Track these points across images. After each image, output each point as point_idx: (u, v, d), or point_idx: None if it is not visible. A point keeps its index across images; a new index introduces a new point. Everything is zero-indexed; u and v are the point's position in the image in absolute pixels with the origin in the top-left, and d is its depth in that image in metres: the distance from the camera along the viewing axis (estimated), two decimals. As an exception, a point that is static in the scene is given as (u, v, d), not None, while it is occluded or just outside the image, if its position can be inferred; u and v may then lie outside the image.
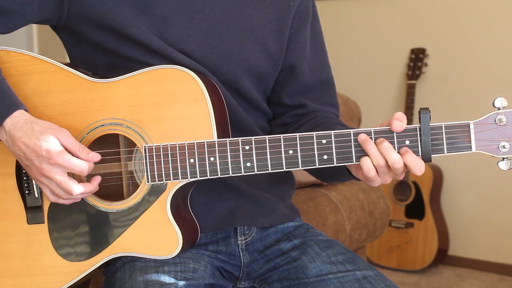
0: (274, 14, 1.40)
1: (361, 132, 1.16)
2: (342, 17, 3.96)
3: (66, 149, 1.21)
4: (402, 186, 3.61)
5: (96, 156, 1.22)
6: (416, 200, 3.58)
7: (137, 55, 1.29)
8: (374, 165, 1.15)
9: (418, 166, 1.13)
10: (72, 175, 1.23)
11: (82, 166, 1.21)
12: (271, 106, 1.48)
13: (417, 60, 3.67)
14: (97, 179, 1.26)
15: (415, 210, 3.59)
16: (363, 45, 3.91)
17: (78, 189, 1.21)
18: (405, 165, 1.14)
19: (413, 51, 3.71)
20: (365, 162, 1.15)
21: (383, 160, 1.14)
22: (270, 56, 1.40)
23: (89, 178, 1.27)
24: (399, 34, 3.79)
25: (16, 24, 1.30)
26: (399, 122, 1.14)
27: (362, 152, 1.16)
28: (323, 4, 3.78)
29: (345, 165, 1.23)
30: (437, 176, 3.61)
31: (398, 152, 1.14)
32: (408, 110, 3.59)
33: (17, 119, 1.21)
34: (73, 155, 1.21)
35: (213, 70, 1.33)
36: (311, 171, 1.39)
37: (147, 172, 1.24)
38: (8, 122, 1.20)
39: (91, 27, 1.29)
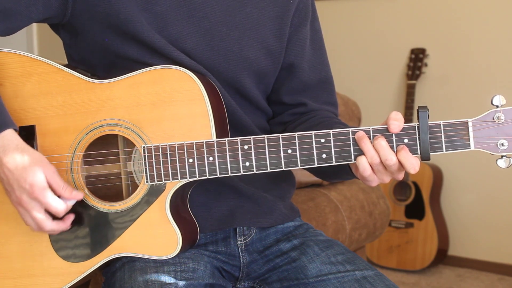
0: (274, 12, 1.40)
1: (359, 130, 1.16)
2: (342, 17, 3.96)
3: (50, 186, 1.21)
4: (402, 186, 3.61)
5: (79, 195, 1.24)
6: (416, 200, 3.58)
7: (137, 54, 1.29)
8: (369, 164, 1.15)
9: (412, 164, 1.12)
10: None
11: (60, 207, 1.22)
12: (271, 104, 1.48)
13: (417, 60, 3.67)
14: (70, 218, 1.26)
15: (415, 210, 3.58)
16: (363, 45, 3.91)
17: (49, 227, 1.23)
18: (399, 162, 1.14)
19: (413, 51, 3.71)
20: (361, 161, 1.15)
21: (377, 157, 1.14)
22: (270, 54, 1.40)
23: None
24: (399, 34, 3.79)
25: (20, 25, 1.30)
26: (397, 123, 1.14)
27: (361, 151, 1.16)
28: (323, 4, 3.78)
29: (347, 163, 1.23)
30: (437, 176, 3.61)
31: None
32: (408, 110, 3.59)
33: (8, 142, 1.20)
34: (55, 192, 1.22)
35: (213, 69, 1.33)
36: (313, 170, 1.39)
37: (146, 172, 1.24)
38: None
39: (93, 24, 1.29)
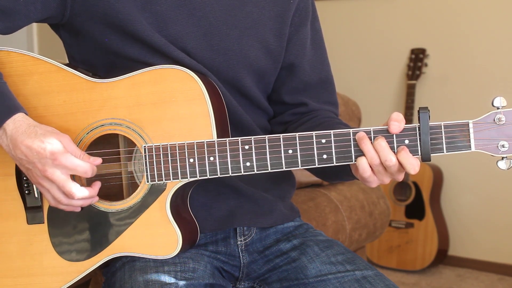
0: (274, 11, 1.40)
1: (360, 131, 1.16)
2: (342, 17, 3.96)
3: None
4: (402, 186, 3.61)
5: (97, 160, 1.23)
6: (416, 200, 3.58)
7: (138, 54, 1.29)
8: (369, 164, 1.15)
9: (412, 165, 1.12)
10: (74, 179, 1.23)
11: (86, 167, 1.21)
12: (271, 104, 1.48)
13: (417, 60, 3.67)
14: (97, 185, 1.25)
15: (415, 210, 3.59)
16: (363, 45, 3.91)
17: (79, 192, 1.21)
18: (399, 163, 1.14)
19: (413, 51, 3.71)
20: (361, 162, 1.15)
21: (377, 158, 1.14)
22: (270, 53, 1.40)
23: (89, 184, 1.26)
24: (399, 34, 3.79)
25: (20, 24, 1.30)
26: (397, 124, 1.14)
27: (361, 152, 1.16)
28: (323, 4, 3.78)
29: (348, 164, 1.23)
30: (437, 176, 3.61)
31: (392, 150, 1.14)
32: (408, 110, 3.59)
33: (19, 123, 1.20)
34: None
35: (213, 68, 1.33)
36: (314, 171, 1.39)
37: (146, 172, 1.24)
38: (10, 126, 1.20)
39: (93, 24, 1.29)
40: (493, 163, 1.15)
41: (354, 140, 1.16)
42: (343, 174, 1.27)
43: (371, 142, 1.15)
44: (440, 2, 3.66)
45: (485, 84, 3.53)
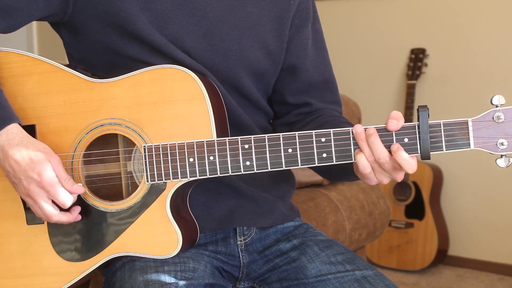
0: (274, 12, 1.40)
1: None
2: (342, 17, 3.96)
3: None
4: (402, 186, 3.61)
5: (80, 189, 1.23)
6: (416, 200, 3.57)
7: (138, 53, 1.29)
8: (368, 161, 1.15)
9: (409, 164, 1.12)
10: None
11: (67, 199, 1.21)
12: (275, 105, 1.48)
13: (417, 60, 3.67)
14: (77, 209, 1.26)
15: (415, 210, 3.58)
16: (363, 45, 3.91)
17: (57, 217, 1.23)
18: (397, 163, 1.13)
19: (413, 51, 3.71)
20: (360, 159, 1.15)
21: (371, 155, 1.14)
22: (269, 54, 1.40)
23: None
24: (399, 34, 3.79)
25: (21, 22, 1.30)
26: (395, 121, 1.14)
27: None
28: (323, 4, 3.78)
29: (351, 163, 1.23)
30: (437, 176, 3.61)
31: (390, 149, 1.14)
32: (408, 110, 3.59)
33: (13, 135, 1.20)
34: None
35: (213, 67, 1.33)
36: (319, 170, 1.39)
37: (146, 171, 1.24)
38: (3, 136, 1.20)
39: (94, 22, 1.29)
40: (493, 163, 1.15)
41: (354, 139, 1.16)
42: (348, 173, 1.27)
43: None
44: (440, 2, 3.66)
45: (485, 84, 3.52)
